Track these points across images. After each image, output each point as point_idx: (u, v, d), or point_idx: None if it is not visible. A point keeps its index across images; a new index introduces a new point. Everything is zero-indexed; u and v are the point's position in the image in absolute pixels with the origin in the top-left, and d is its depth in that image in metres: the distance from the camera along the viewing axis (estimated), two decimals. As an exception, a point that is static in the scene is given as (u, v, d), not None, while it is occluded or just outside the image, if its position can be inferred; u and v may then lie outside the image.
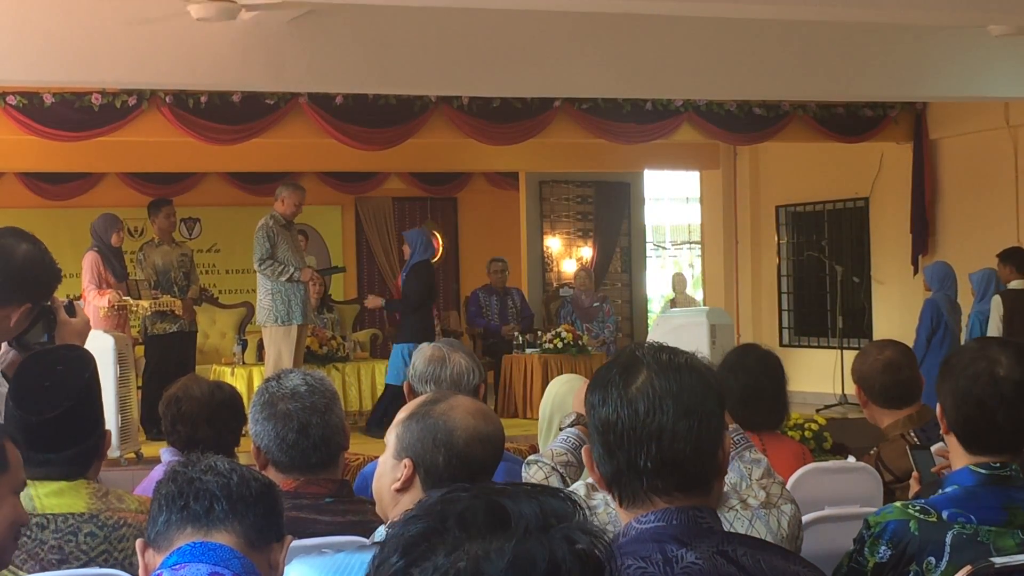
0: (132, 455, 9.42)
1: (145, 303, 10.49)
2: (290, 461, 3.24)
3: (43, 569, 2.94)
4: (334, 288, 15.04)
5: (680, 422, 2.07)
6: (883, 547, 2.70)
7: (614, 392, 2.10)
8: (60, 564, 2.97)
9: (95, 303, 10.22)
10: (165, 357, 10.54)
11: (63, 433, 3.07)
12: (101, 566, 3.00)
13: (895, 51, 9.72)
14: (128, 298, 10.42)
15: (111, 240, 10.52)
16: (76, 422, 3.08)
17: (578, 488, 2.93)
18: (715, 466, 2.12)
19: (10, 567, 2.94)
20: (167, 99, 10.24)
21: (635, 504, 2.11)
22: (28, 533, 2.99)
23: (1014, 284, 10.55)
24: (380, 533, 2.60)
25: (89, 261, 10.41)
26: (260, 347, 11.69)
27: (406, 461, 2.66)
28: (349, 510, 3.24)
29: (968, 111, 12.39)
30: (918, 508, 2.72)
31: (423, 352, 4.03)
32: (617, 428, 2.08)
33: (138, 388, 10.19)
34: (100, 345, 9.04)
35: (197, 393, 4.18)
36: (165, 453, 4.32)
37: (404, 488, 2.65)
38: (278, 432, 3.24)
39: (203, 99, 10.35)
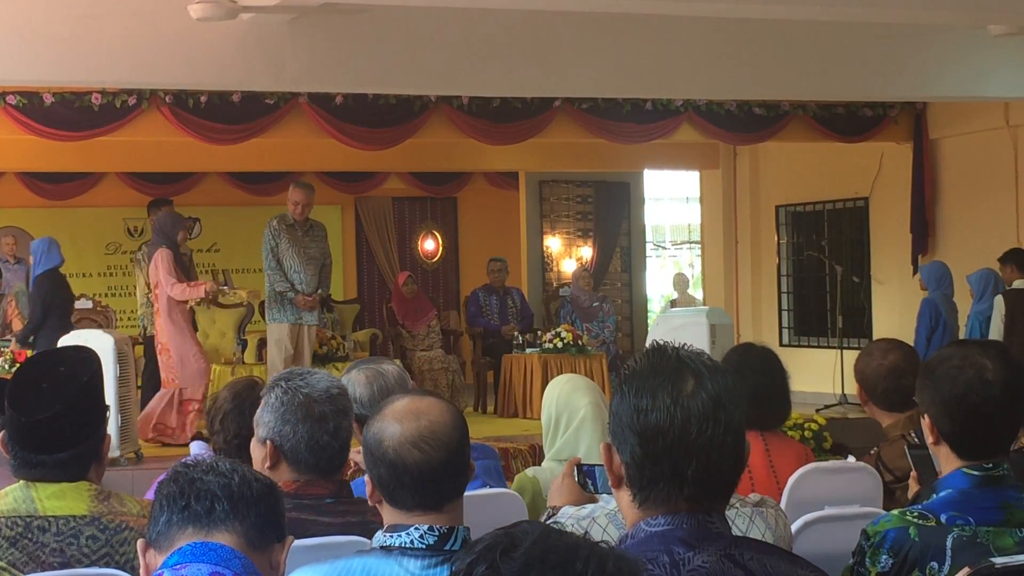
0: (132, 455, 9.41)
1: (243, 292, 10.26)
2: (317, 462, 3.24)
3: (44, 571, 2.93)
4: (334, 288, 15.04)
5: (728, 435, 2.07)
6: (884, 556, 2.69)
7: (666, 398, 2.07)
8: (61, 567, 2.96)
9: (183, 296, 9.98)
10: (164, 357, 10.52)
11: (53, 436, 3.04)
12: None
13: (895, 51, 9.72)
14: (225, 287, 10.21)
15: (178, 237, 10.27)
16: (68, 426, 3.06)
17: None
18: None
19: (12, 570, 2.94)
20: (167, 99, 10.24)
21: (658, 506, 2.10)
22: (29, 535, 2.98)
23: (1017, 284, 10.56)
24: (379, 538, 2.60)
25: (164, 256, 10.02)
26: (260, 347, 11.68)
27: (367, 478, 2.68)
28: (349, 511, 3.24)
29: (968, 111, 12.39)
30: (916, 514, 2.72)
31: (355, 379, 3.91)
32: (668, 435, 2.06)
33: (137, 388, 10.18)
34: (100, 344, 9.03)
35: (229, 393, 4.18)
36: (195, 447, 4.34)
37: (376, 503, 2.67)
38: (312, 433, 3.23)
39: (203, 99, 10.35)
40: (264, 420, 3.30)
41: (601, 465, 2.21)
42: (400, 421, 2.61)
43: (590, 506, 2.94)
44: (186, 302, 10.11)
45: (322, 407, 3.26)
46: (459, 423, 2.67)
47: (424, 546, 2.54)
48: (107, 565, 2.99)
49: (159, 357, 10.14)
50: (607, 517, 2.83)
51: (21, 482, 3.06)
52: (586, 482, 3.17)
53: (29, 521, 3.00)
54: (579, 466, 3.48)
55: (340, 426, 3.27)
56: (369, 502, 2.68)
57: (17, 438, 3.06)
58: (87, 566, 2.98)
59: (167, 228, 10.29)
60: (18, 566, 2.96)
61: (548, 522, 2.91)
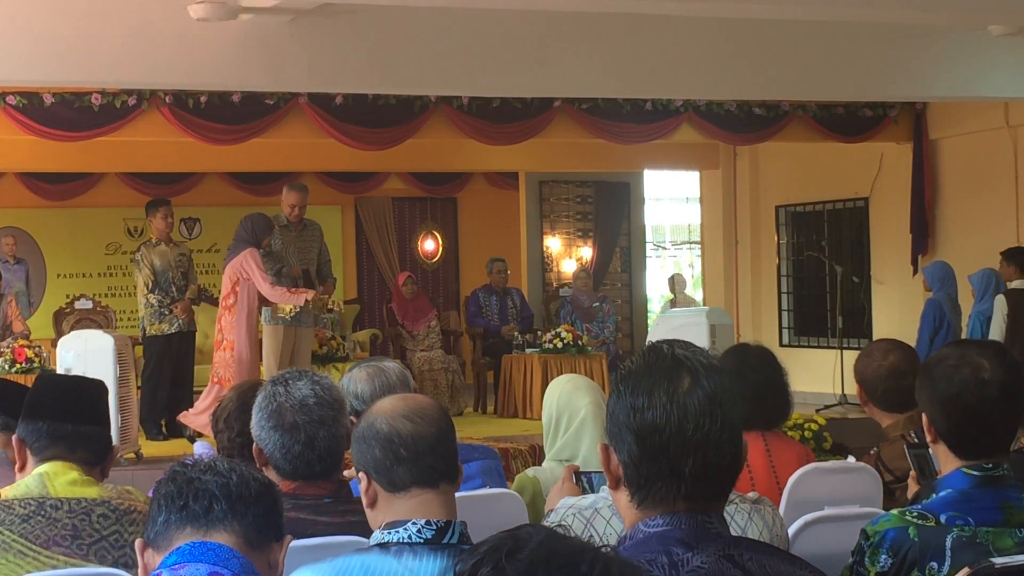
0: (132, 455, 9.41)
1: (339, 301, 10.05)
2: (293, 470, 3.26)
3: (56, 545, 3.09)
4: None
5: (724, 432, 2.07)
6: (883, 556, 2.69)
7: (662, 395, 2.07)
8: (73, 540, 3.10)
9: (282, 299, 9.83)
10: (163, 357, 10.51)
11: (91, 404, 3.27)
12: (112, 545, 3.14)
13: (895, 51, 9.72)
14: (326, 295, 10.04)
15: (263, 242, 10.06)
16: (98, 400, 3.31)
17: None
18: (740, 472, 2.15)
19: (24, 541, 3.04)
20: (167, 99, 10.24)
21: (656, 506, 2.09)
22: (42, 513, 3.11)
23: (1017, 283, 10.55)
24: (376, 535, 2.61)
25: (256, 256, 9.87)
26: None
27: (360, 474, 2.68)
28: (348, 510, 3.24)
29: (968, 111, 12.39)
30: (915, 514, 2.72)
31: (356, 376, 3.95)
32: (665, 432, 2.06)
33: (137, 388, 10.18)
34: (99, 344, 9.05)
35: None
36: (198, 447, 4.38)
37: (371, 503, 2.66)
38: (284, 442, 3.25)
39: (203, 99, 10.35)
40: (252, 422, 3.34)
41: (600, 472, 2.21)
42: (393, 402, 2.73)
43: (592, 496, 2.93)
44: (312, 303, 9.85)
45: (294, 417, 3.26)
46: (446, 414, 2.76)
47: (422, 540, 2.55)
48: (116, 542, 3.13)
49: (215, 352, 9.97)
50: (610, 509, 2.82)
51: (34, 472, 3.19)
52: (585, 486, 3.17)
53: (42, 501, 3.12)
54: (578, 473, 3.48)
55: (315, 436, 3.25)
56: (364, 502, 2.69)
57: (47, 407, 3.23)
58: (97, 540, 3.12)
59: (259, 230, 10.05)
60: (30, 539, 3.09)
61: (550, 522, 2.91)
